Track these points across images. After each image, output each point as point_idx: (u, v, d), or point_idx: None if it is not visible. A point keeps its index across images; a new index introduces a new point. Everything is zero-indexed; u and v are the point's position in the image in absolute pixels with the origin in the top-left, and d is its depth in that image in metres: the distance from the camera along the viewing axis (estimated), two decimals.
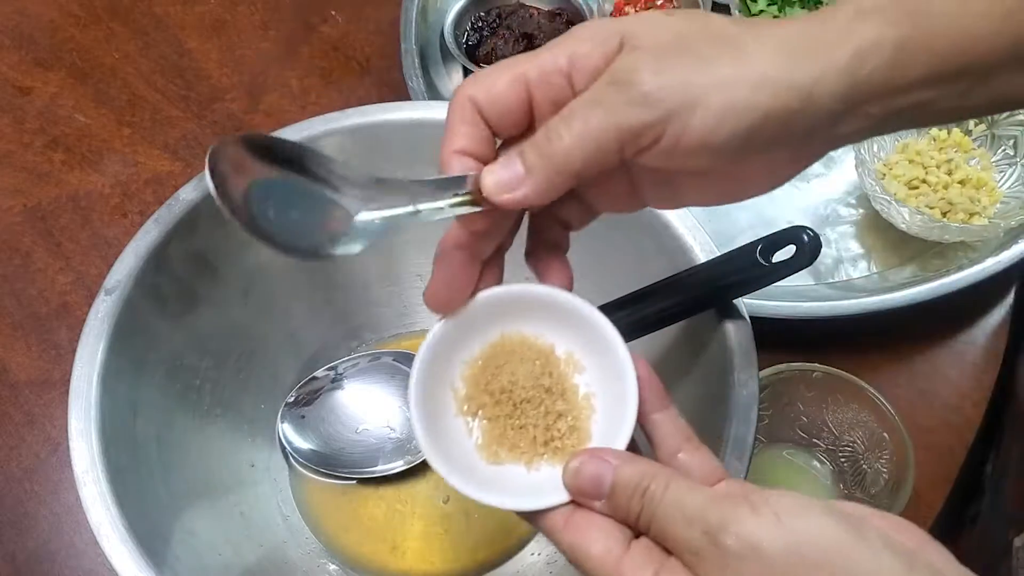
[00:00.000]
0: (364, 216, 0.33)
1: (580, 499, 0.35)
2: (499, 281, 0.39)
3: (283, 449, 0.57)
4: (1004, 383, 0.65)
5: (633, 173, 0.37)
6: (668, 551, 0.33)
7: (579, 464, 0.35)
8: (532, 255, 0.39)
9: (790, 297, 0.64)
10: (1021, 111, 0.69)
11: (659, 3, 0.81)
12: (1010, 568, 0.53)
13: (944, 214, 0.68)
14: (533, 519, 0.36)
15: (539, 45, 0.78)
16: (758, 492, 0.32)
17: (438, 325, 0.38)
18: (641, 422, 0.37)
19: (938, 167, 0.70)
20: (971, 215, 0.68)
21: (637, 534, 0.34)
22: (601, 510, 0.35)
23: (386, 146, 0.56)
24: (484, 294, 0.38)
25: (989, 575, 0.56)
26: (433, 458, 0.37)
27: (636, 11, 0.81)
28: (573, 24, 0.81)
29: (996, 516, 0.59)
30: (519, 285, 0.39)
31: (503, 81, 0.34)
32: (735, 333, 0.47)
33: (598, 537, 0.34)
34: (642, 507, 0.33)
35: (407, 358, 0.59)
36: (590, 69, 0.33)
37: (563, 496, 0.36)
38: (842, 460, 0.57)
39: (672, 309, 0.47)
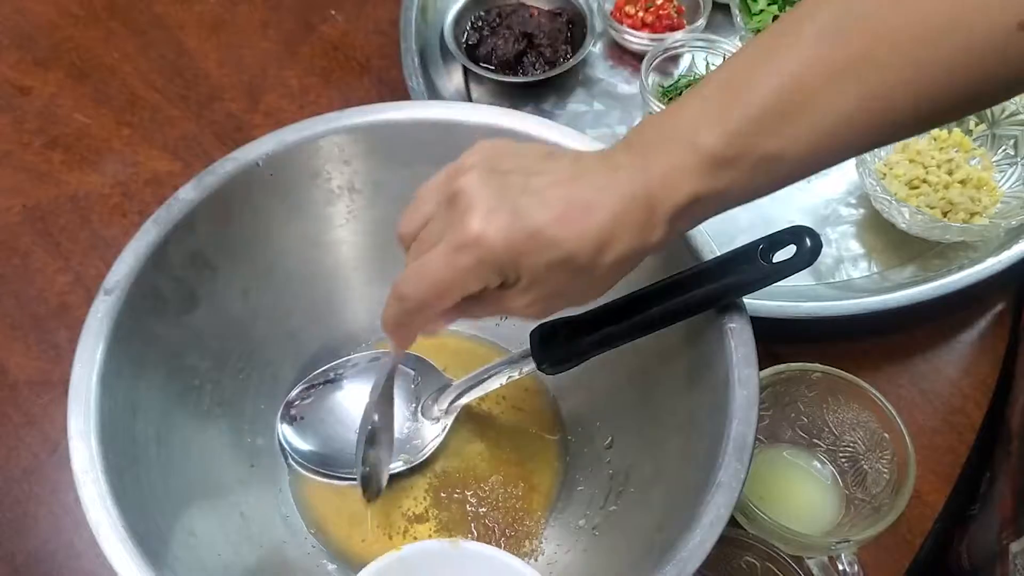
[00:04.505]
0: None
1: None
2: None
3: (283, 450, 0.57)
4: (1005, 383, 0.65)
5: None
6: None
7: None
8: None
9: (791, 297, 0.63)
10: (1022, 111, 0.69)
11: (659, 1, 0.81)
12: (1006, 573, 0.53)
13: (945, 214, 0.68)
14: None
15: (539, 45, 0.78)
16: None
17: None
18: None
19: (939, 167, 0.70)
20: (972, 215, 0.68)
21: None
22: None
23: (385, 146, 0.56)
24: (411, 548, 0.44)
25: None
26: None
27: (636, 10, 0.81)
28: (573, 24, 0.81)
29: (987, 516, 0.59)
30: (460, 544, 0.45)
31: None
32: (736, 333, 0.47)
33: None
34: None
35: (407, 359, 0.59)
36: None
37: None
38: (843, 460, 0.57)
39: (672, 309, 0.47)
